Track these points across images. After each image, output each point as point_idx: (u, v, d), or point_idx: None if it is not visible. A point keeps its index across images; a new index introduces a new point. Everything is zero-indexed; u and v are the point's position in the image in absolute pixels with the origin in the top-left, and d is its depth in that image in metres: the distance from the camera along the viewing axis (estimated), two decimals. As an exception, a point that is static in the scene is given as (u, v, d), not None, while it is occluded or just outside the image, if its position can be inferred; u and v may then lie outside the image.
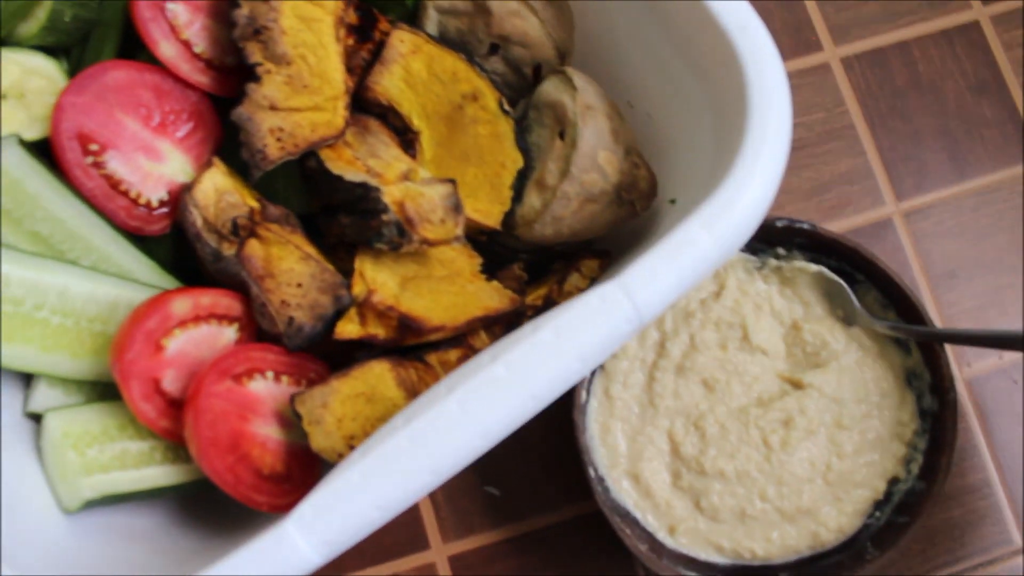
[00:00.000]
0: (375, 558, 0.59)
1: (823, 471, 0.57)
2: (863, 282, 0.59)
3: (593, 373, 0.58)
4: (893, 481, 0.58)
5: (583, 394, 0.57)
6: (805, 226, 0.58)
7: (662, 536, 0.56)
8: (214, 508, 0.55)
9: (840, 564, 0.56)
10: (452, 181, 0.50)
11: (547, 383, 0.43)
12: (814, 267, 0.59)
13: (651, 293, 0.44)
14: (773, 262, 0.60)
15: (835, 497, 0.57)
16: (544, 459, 0.60)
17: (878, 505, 0.57)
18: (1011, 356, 0.63)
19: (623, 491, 0.57)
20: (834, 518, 0.56)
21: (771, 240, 0.59)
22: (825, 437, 0.57)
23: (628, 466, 0.57)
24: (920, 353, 0.58)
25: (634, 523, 0.56)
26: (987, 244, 0.64)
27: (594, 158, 0.51)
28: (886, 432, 0.57)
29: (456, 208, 0.50)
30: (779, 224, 0.58)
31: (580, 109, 0.51)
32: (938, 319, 0.63)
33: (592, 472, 0.55)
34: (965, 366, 0.63)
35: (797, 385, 0.58)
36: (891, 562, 0.60)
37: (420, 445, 0.43)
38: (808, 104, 0.64)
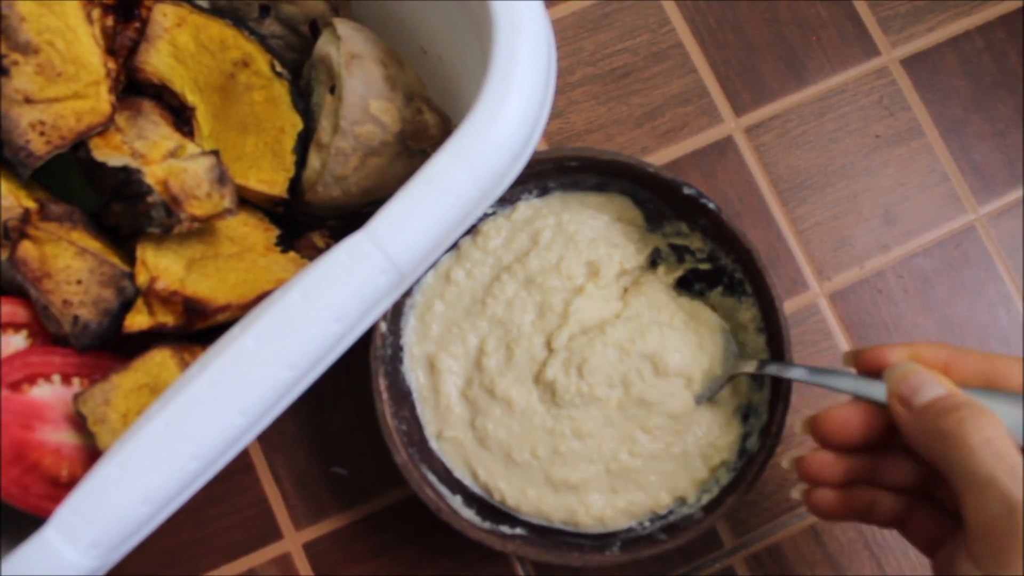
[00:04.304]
0: (229, 555, 0.56)
1: (608, 459, 0.52)
2: (749, 296, 0.53)
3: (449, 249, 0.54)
4: (680, 501, 0.52)
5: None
6: (711, 205, 0.52)
7: (428, 433, 0.53)
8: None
9: (579, 547, 0.51)
10: (215, 152, 0.48)
11: (300, 351, 0.40)
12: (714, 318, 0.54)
13: (404, 239, 0.41)
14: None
15: (611, 488, 0.52)
16: (388, 431, 0.57)
17: (654, 517, 0.52)
18: (872, 265, 0.60)
19: (414, 373, 0.53)
20: (599, 507, 0.51)
21: (677, 208, 0.54)
22: (624, 431, 0.52)
23: (432, 349, 0.53)
24: (770, 392, 0.52)
25: (411, 407, 0.53)
26: (836, 150, 0.61)
27: (365, 108, 0.48)
28: (695, 451, 0.52)
29: (221, 180, 0.47)
30: (686, 191, 0.52)
31: (345, 59, 0.48)
32: (792, 235, 0.60)
33: (387, 334, 0.52)
34: (825, 280, 0.60)
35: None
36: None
37: (176, 430, 0.40)
38: (631, 28, 0.61)
